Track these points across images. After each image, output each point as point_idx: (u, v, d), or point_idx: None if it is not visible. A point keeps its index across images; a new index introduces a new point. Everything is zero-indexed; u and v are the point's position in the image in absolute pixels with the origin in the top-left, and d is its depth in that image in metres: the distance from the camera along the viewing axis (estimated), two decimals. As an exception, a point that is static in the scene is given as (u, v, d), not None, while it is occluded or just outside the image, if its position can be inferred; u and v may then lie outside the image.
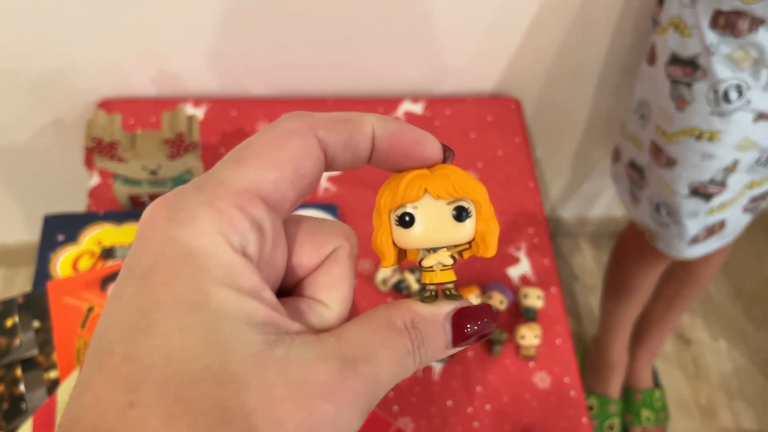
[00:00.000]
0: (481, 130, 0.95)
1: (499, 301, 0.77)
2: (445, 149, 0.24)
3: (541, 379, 0.76)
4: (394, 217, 0.24)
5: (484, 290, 0.78)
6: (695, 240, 0.92)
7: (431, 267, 0.24)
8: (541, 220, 0.87)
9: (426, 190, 0.23)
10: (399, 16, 0.88)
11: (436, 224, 0.23)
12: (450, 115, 0.95)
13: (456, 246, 0.24)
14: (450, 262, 0.24)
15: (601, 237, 1.51)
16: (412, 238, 0.23)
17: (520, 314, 0.79)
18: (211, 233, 0.19)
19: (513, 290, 0.81)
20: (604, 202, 1.38)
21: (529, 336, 0.75)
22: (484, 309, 0.24)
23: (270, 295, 0.20)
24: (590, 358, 1.25)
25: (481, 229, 0.24)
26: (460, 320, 0.23)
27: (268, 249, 0.21)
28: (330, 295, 0.23)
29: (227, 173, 0.21)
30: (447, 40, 0.93)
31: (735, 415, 1.30)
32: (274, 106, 0.93)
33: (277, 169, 0.21)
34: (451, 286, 0.24)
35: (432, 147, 0.24)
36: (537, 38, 0.94)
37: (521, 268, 0.83)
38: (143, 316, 0.19)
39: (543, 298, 0.78)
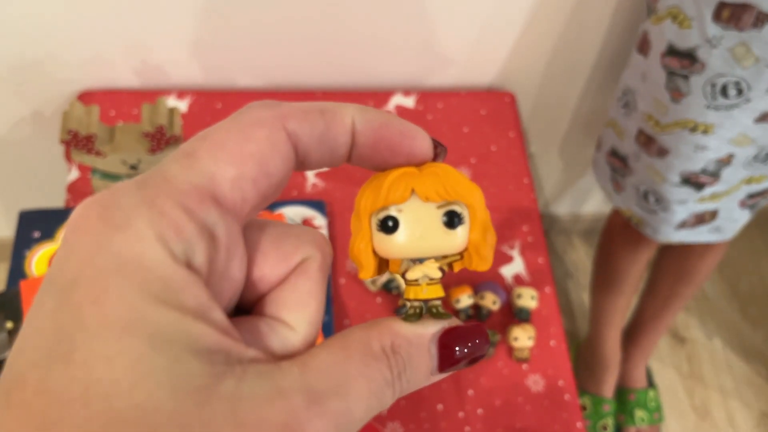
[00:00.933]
0: (474, 124, 0.92)
1: (491, 301, 0.74)
2: (436, 145, 0.21)
3: (535, 382, 0.74)
4: (375, 221, 0.20)
5: (477, 290, 0.76)
6: (683, 225, 0.91)
7: (416, 280, 0.21)
8: (536, 217, 0.85)
9: (413, 191, 0.20)
10: (391, 7, 0.85)
11: (424, 231, 0.20)
12: (443, 109, 0.93)
13: (445, 257, 0.21)
14: (438, 275, 0.21)
15: (595, 233, 1.49)
16: (395, 246, 0.20)
17: (514, 315, 0.76)
18: (150, 239, 0.16)
19: (506, 290, 0.79)
20: (598, 199, 1.36)
21: (523, 337, 0.73)
22: (476, 329, 0.20)
23: (220, 316, 0.17)
24: (583, 356, 1.23)
25: (475, 239, 0.21)
26: (448, 342, 0.20)
27: (220, 260, 0.18)
28: (296, 315, 0.20)
29: (176, 168, 0.18)
30: (440, 32, 0.90)
31: (729, 415, 1.29)
32: (260, 99, 0.90)
33: (237, 164, 0.18)
34: (438, 303, 0.21)
35: (421, 142, 0.21)
36: (533, 32, 0.92)
37: (515, 267, 0.81)
38: (63, 339, 0.15)
39: (537, 298, 0.76)
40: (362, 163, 0.21)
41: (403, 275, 0.21)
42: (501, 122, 0.93)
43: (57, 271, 0.16)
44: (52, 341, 0.15)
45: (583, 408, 1.19)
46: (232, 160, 0.18)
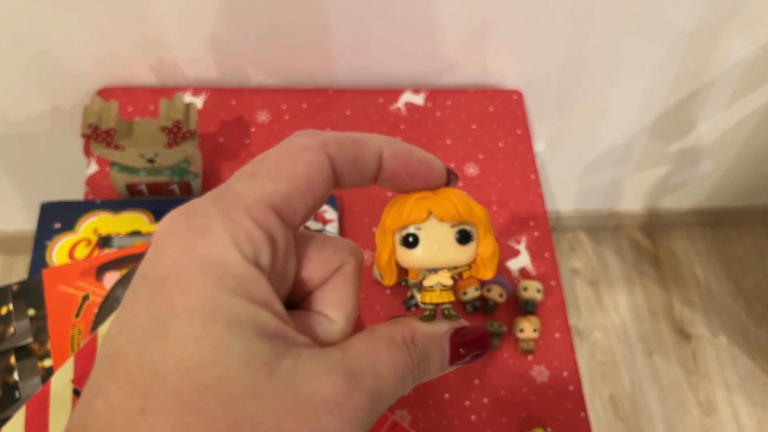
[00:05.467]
0: (482, 121, 0.94)
1: (498, 294, 0.76)
2: (449, 173, 0.25)
3: (540, 373, 0.75)
4: (398, 237, 0.24)
5: (483, 283, 0.78)
6: None
7: (431, 287, 0.25)
8: (542, 212, 0.87)
9: (430, 213, 0.24)
10: (402, 6, 0.87)
11: (439, 246, 0.24)
12: (451, 106, 0.95)
13: (456, 267, 0.25)
14: (450, 282, 0.25)
15: (602, 231, 1.51)
16: (415, 258, 0.24)
17: (519, 307, 0.78)
18: (227, 244, 0.20)
19: (512, 283, 0.80)
20: (605, 196, 1.37)
21: (528, 329, 0.75)
22: (479, 330, 0.25)
23: (280, 307, 0.21)
24: None
25: (482, 253, 0.24)
26: (457, 340, 0.24)
27: (279, 261, 0.22)
28: (336, 310, 0.24)
29: (242, 185, 0.21)
30: (450, 31, 0.92)
31: (735, 411, 1.30)
32: (273, 96, 0.92)
33: (291, 183, 0.22)
34: (449, 305, 0.25)
35: (437, 170, 0.25)
36: (542, 29, 0.93)
37: (521, 260, 0.83)
38: (158, 322, 0.19)
39: (542, 291, 0.78)
40: (386, 185, 0.25)
41: (420, 282, 0.25)
42: (508, 119, 0.95)
43: (150, 268, 0.20)
44: (148, 324, 0.19)
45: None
46: (287, 179, 0.22)
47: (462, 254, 0.24)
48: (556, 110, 1.09)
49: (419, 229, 0.24)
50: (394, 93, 0.95)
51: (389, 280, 0.25)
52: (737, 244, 1.44)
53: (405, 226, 0.24)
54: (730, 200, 1.46)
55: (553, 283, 0.81)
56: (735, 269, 1.48)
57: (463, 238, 0.24)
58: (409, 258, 0.24)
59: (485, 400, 0.73)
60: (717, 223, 1.53)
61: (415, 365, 0.23)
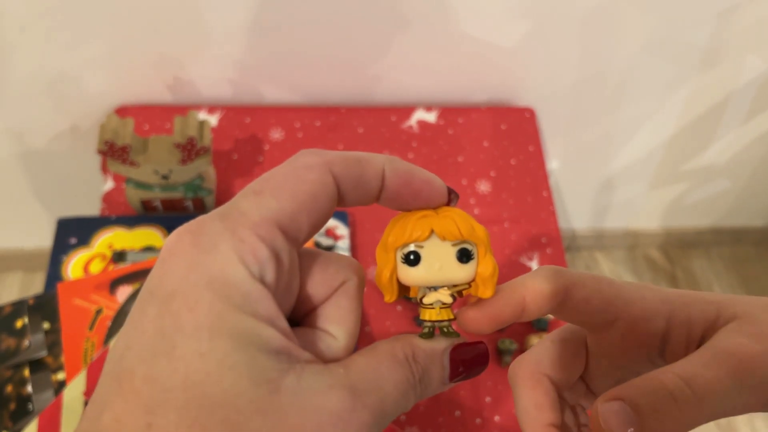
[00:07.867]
0: (494, 138, 0.94)
1: (509, 310, 0.76)
2: (450, 192, 0.25)
3: (552, 391, 0.75)
4: (400, 255, 0.25)
5: (495, 299, 0.77)
6: None
7: (431, 305, 0.25)
8: (555, 229, 0.86)
9: (432, 231, 0.24)
10: (414, 24, 0.88)
11: (441, 264, 0.24)
12: (463, 124, 0.95)
13: (456, 285, 0.25)
14: (450, 300, 0.25)
15: (618, 250, 1.50)
16: (416, 276, 0.24)
17: (531, 324, 0.78)
18: (233, 261, 0.20)
19: (524, 300, 0.80)
20: (621, 215, 1.36)
21: (540, 346, 0.74)
22: (479, 348, 0.25)
23: (284, 324, 0.21)
24: None
25: (482, 271, 0.25)
26: (457, 357, 0.24)
27: (284, 278, 0.22)
28: (338, 327, 0.24)
29: (248, 204, 0.21)
30: (462, 49, 0.93)
31: (754, 433, 1.28)
32: (287, 114, 0.94)
33: (295, 201, 0.22)
34: (448, 323, 0.25)
35: (439, 189, 0.25)
36: (555, 47, 0.94)
37: (533, 277, 0.82)
38: (165, 338, 0.19)
39: (554, 308, 0.77)
40: (389, 204, 0.25)
41: (420, 300, 0.25)
42: (521, 137, 0.95)
43: (157, 284, 0.20)
44: (155, 340, 0.19)
45: None
46: (291, 198, 0.22)
47: (462, 273, 0.24)
48: (570, 128, 1.09)
49: (421, 247, 0.24)
50: (407, 111, 0.96)
51: (390, 297, 0.25)
52: (756, 263, 1.43)
53: (407, 244, 0.24)
54: (749, 219, 1.44)
55: (565, 300, 0.81)
56: (754, 289, 1.46)
57: (464, 256, 0.24)
58: (411, 275, 0.24)
59: (497, 418, 0.72)
60: (735, 242, 1.51)
61: (417, 381, 0.23)
